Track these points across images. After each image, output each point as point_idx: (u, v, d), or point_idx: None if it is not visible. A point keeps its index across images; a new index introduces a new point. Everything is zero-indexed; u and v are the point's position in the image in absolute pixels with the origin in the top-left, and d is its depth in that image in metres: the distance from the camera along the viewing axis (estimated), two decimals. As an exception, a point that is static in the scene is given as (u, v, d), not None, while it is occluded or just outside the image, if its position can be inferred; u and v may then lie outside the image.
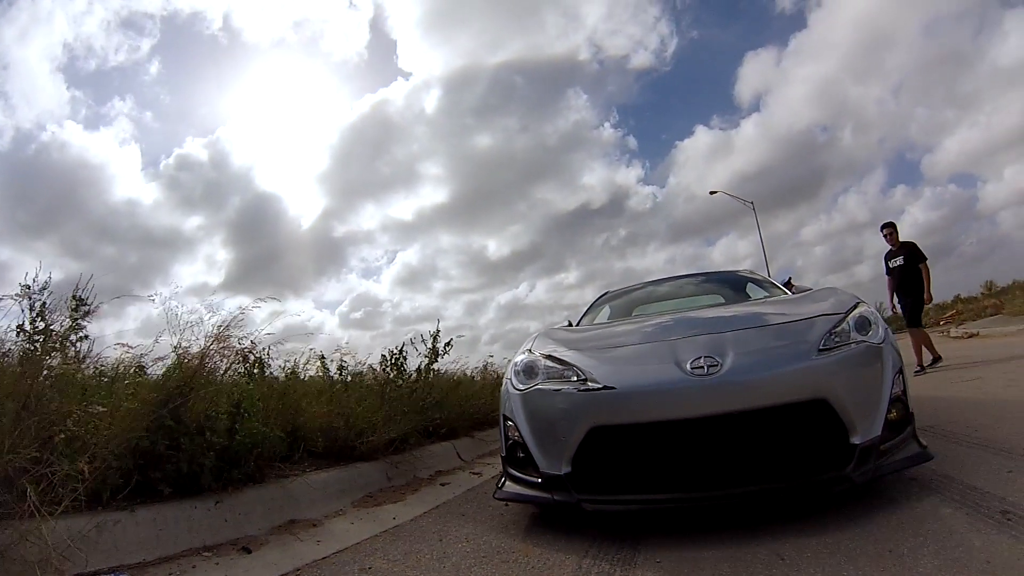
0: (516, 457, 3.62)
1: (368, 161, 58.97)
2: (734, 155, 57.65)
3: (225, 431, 3.96)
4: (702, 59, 55.97)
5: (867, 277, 54.69)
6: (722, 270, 7.77)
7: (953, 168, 55.34)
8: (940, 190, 53.42)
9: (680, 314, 4.92)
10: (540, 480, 3.42)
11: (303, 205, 62.74)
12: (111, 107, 50.49)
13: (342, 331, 55.64)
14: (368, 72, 59.86)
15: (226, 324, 4.25)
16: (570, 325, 5.64)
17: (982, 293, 29.07)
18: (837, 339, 3.41)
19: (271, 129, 60.66)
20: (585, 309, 6.54)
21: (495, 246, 65.66)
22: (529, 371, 3.76)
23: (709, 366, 3.22)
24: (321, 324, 56.74)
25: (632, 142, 59.99)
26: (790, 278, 7.76)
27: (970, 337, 12.79)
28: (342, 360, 6.48)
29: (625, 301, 6.80)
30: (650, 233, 63.30)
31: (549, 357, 3.78)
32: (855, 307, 3.71)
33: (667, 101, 57.69)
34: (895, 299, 11.52)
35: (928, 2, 50.49)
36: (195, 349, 4.21)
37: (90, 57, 47.37)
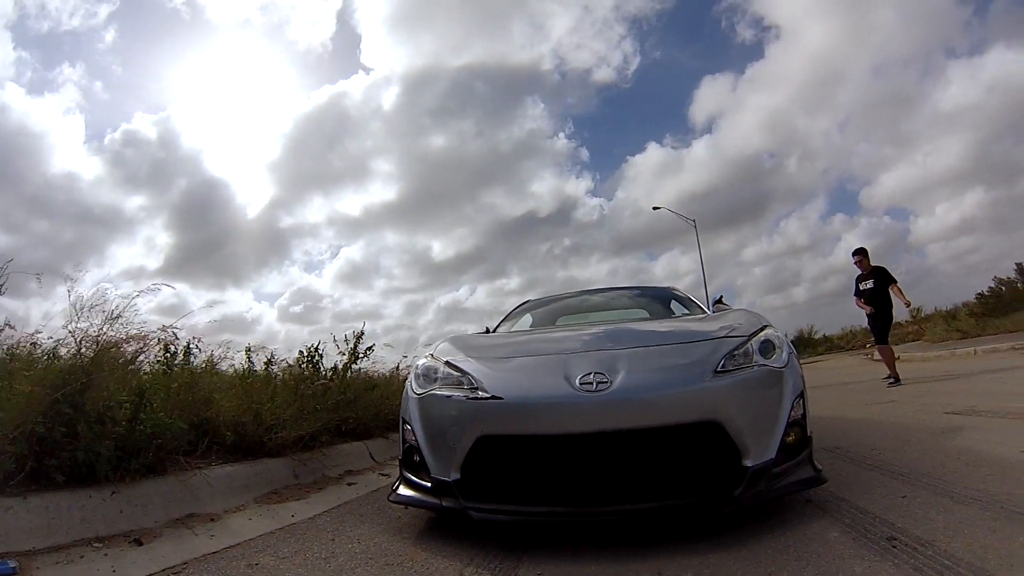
0: (411, 461, 3.60)
1: (320, 153, 57.53)
2: (683, 174, 58.07)
3: (126, 420, 3.85)
4: (662, 79, 56.58)
5: (803, 299, 55.61)
6: (647, 285, 7.78)
7: (889, 201, 56.58)
8: (876, 221, 54.54)
9: (584, 328, 5.00)
10: (431, 485, 3.40)
11: (251, 193, 60.89)
12: (59, 73, 47.35)
13: (280, 325, 54.36)
14: (330, 63, 58.49)
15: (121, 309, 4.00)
16: (487, 331, 5.53)
17: (908, 319, 29.51)
18: (737, 361, 3.39)
19: (225, 112, 58.50)
20: (504, 316, 6.33)
21: (440, 247, 64.94)
22: (428, 376, 3.76)
23: (598, 383, 3.18)
24: (260, 316, 55.55)
25: (584, 154, 60.10)
26: (721, 297, 7.66)
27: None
28: (270, 356, 6.26)
29: (546, 311, 6.83)
30: (594, 244, 63.20)
31: (448, 363, 3.75)
32: (761, 330, 3.70)
33: (623, 116, 58.18)
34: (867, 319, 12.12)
35: (879, 45, 51.50)
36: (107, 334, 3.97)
37: (43, 18, 44.69)
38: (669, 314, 6.17)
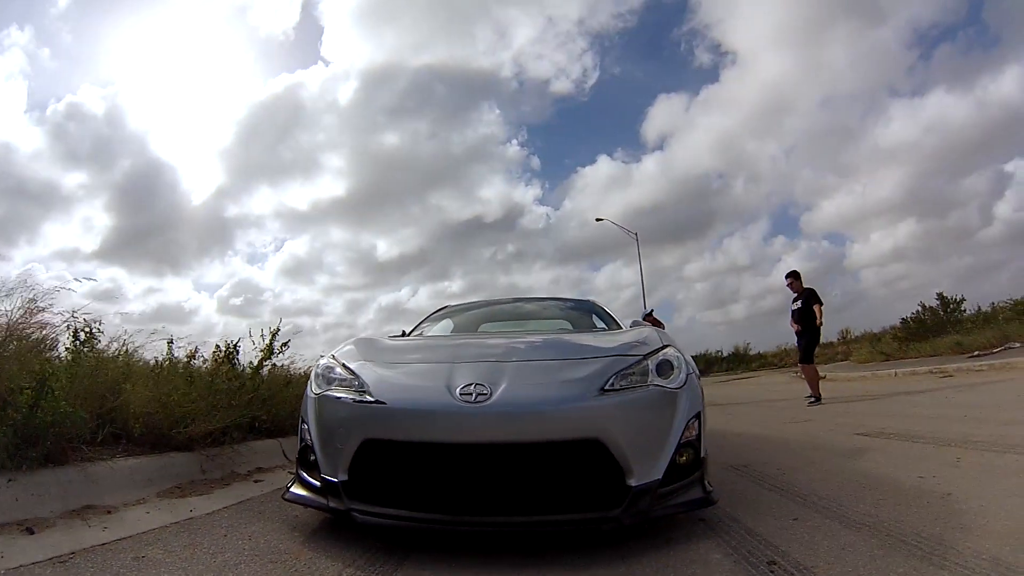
0: (306, 460, 3.61)
1: (272, 143, 56.01)
2: (631, 188, 58.71)
3: (27, 407, 3.77)
4: (618, 94, 57.29)
5: (742, 316, 56.56)
6: (568, 297, 7.78)
7: (827, 227, 58.32)
8: (814, 244, 56.11)
9: (484, 337, 5.15)
10: (320, 485, 3.41)
11: (197, 179, 59.09)
12: (6, 35, 43.97)
13: (219, 316, 53.32)
14: (289, 52, 57.00)
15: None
16: (403, 334, 5.45)
17: (838, 340, 30.06)
18: (629, 380, 3.38)
19: (177, 93, 56.21)
20: (421, 320, 6.27)
21: (384, 247, 64.32)
22: (325, 376, 3.77)
23: (478, 394, 3.20)
24: (198, 307, 54.39)
25: (536, 162, 60.48)
26: (652, 311, 7.62)
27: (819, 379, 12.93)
28: (193, 349, 6.10)
29: (465, 317, 6.82)
30: (538, 252, 63.22)
31: (344, 365, 3.78)
32: (660, 350, 3.70)
33: (577, 128, 59.13)
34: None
35: (828, 80, 53.27)
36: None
37: (-5, -24, 42.23)
38: (587, 326, 6.21)
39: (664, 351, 3.66)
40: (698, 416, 3.42)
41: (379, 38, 59.95)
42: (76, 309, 4.45)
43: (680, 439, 3.24)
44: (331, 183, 60.74)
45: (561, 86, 56.17)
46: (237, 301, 55.83)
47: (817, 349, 12.22)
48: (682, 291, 62.36)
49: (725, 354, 39.23)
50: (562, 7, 57.44)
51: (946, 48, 50.62)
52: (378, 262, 63.40)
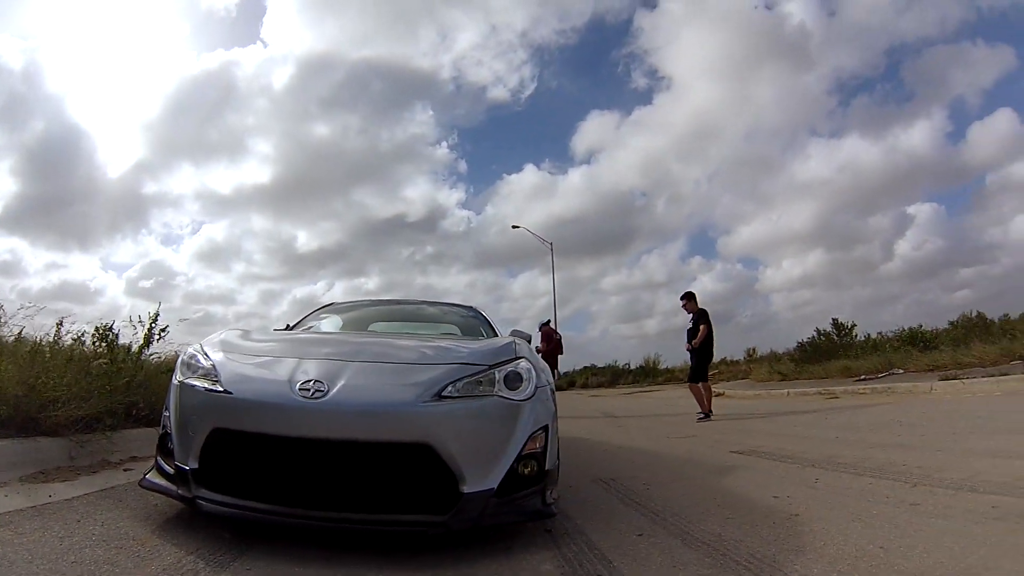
0: (165, 447, 3.61)
1: (199, 121, 52.19)
2: (555, 199, 59.06)
3: None
4: (553, 107, 57.40)
5: (654, 331, 57.37)
6: (453, 302, 8.21)
7: (742, 251, 60.28)
8: (729, 267, 57.68)
9: (341, 335, 5.27)
10: (173, 472, 3.44)
11: (115, 150, 58.24)
12: None
13: (126, 299, 50.52)
14: (228, 29, 53.64)
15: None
16: (287, 328, 5.50)
17: (744, 358, 30.76)
18: (470, 389, 3.46)
19: (104, 56, 54.40)
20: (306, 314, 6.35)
21: (305, 239, 62.22)
22: (189, 364, 3.78)
23: (316, 390, 3.26)
24: (104, 287, 51.73)
25: (463, 166, 60.15)
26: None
27: (716, 396, 13.24)
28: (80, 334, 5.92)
29: (350, 316, 6.88)
30: (456, 255, 62.47)
31: (205, 354, 3.79)
32: (511, 361, 3.75)
33: (507, 136, 59.33)
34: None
35: (754, 114, 55.25)
36: None
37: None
38: (471, 331, 6.39)
39: (516, 363, 3.72)
40: (545, 429, 3.51)
41: (322, 26, 58.21)
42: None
43: (522, 450, 3.34)
44: (256, 169, 58.33)
45: (497, 93, 56.19)
46: (147, 284, 53.06)
47: (722, 366, 12.51)
48: (597, 303, 63.17)
49: (633, 367, 39.84)
50: (507, 16, 57.51)
51: (864, 98, 53.43)
52: (297, 253, 61.61)
